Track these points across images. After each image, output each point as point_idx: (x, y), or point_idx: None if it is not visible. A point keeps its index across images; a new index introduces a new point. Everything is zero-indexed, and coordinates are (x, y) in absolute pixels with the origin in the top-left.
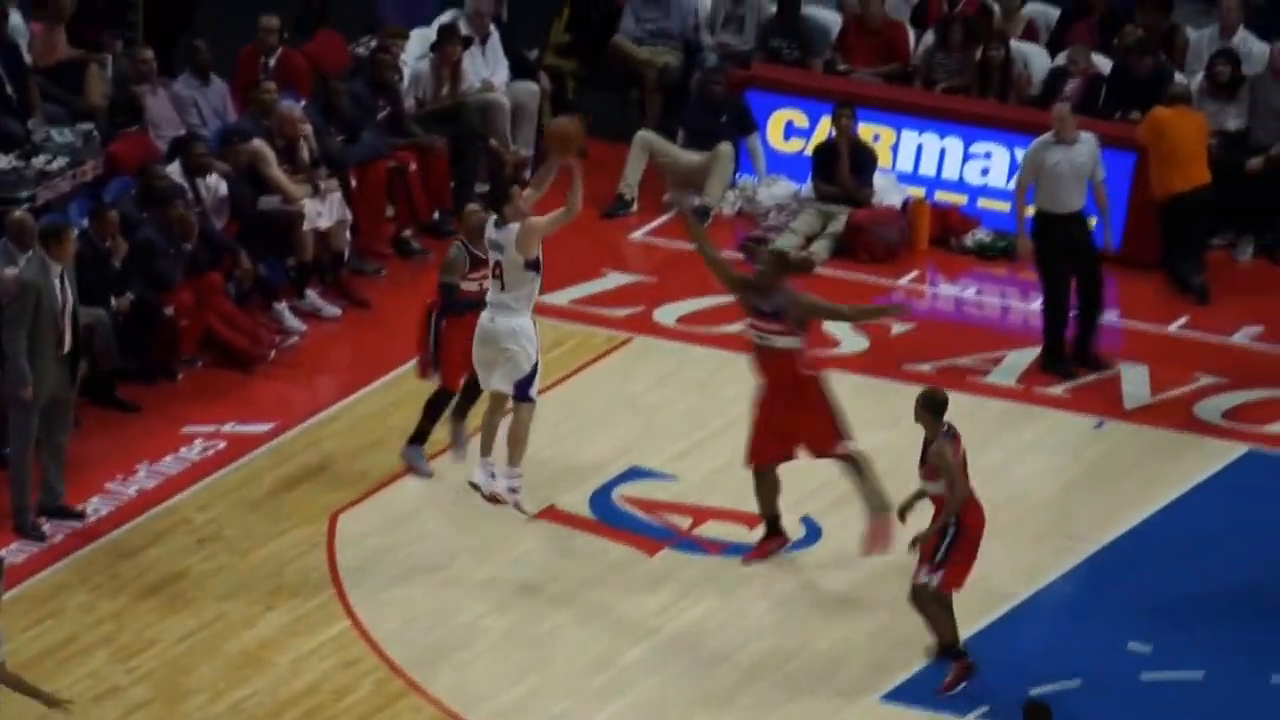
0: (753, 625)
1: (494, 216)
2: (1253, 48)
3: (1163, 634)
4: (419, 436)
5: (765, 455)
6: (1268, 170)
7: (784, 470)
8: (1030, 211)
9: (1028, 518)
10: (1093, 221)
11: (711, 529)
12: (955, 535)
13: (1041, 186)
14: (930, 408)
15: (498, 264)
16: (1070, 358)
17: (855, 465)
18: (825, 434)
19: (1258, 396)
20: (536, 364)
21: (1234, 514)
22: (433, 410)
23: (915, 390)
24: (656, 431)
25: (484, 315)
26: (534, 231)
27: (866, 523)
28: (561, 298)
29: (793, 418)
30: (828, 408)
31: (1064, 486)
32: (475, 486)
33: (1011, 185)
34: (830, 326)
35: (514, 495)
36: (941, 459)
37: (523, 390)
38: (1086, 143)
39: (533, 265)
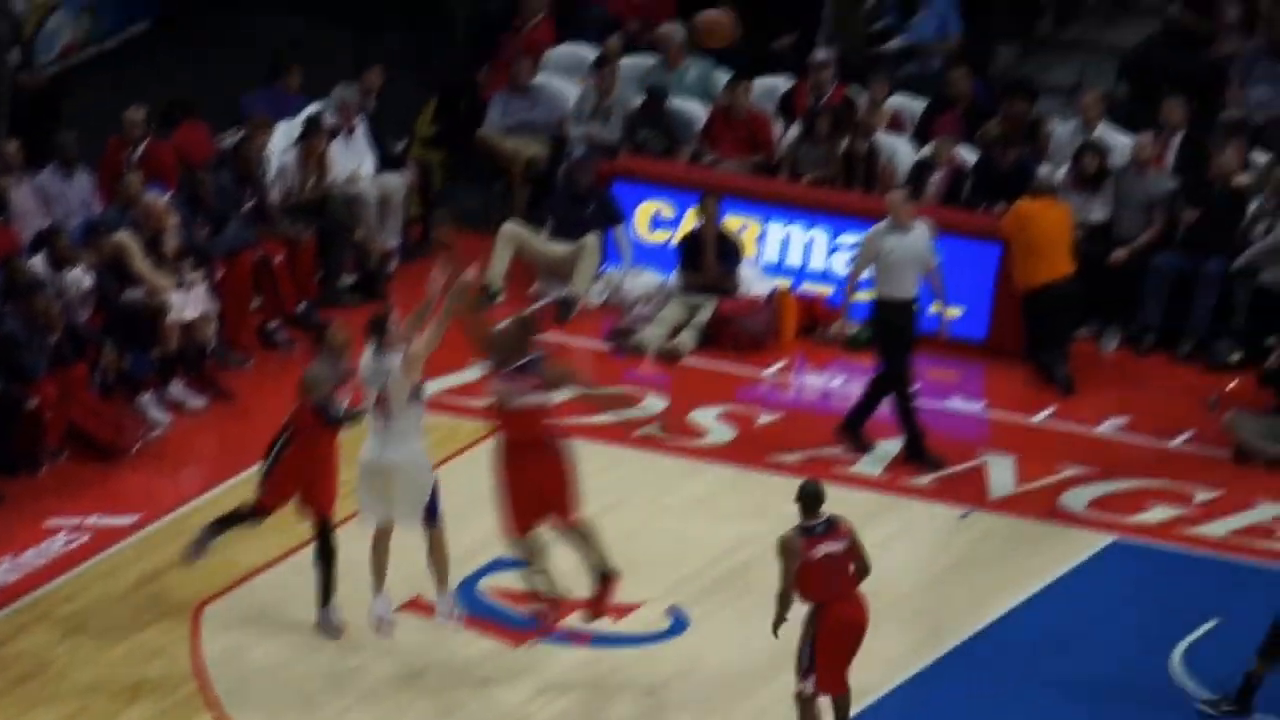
0: (619, 718)
1: (373, 345)
2: (1115, 141)
3: None
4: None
5: (526, 522)
6: (1131, 262)
7: (649, 559)
8: (865, 297)
9: (893, 608)
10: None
11: (578, 621)
12: (814, 637)
13: (879, 273)
14: (800, 500)
15: (381, 394)
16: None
17: (584, 534)
18: (568, 502)
19: (1123, 487)
20: (435, 482)
21: (1099, 604)
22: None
23: (782, 481)
24: None
25: (369, 448)
26: (416, 358)
27: (591, 589)
28: (428, 388)
29: (541, 481)
30: (571, 474)
31: (929, 577)
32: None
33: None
34: (698, 417)
35: (457, 614)
36: (781, 548)
37: (431, 515)
38: (921, 229)
39: (417, 391)
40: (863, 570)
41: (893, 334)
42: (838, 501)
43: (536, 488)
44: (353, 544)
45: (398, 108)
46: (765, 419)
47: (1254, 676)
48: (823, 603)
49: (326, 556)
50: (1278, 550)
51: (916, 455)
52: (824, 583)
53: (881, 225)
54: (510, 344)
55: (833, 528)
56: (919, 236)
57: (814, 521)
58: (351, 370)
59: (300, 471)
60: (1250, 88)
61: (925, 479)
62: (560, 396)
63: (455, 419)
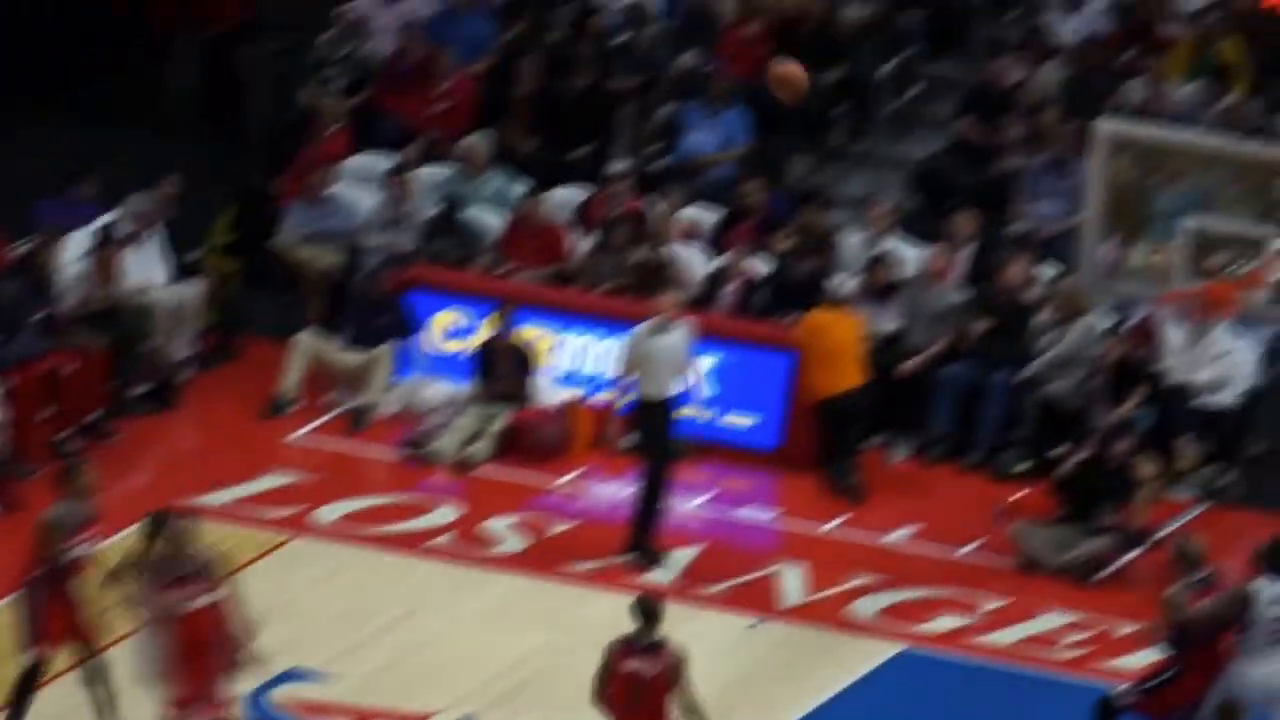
0: None
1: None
2: (905, 252)
3: None
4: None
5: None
6: (921, 373)
7: (442, 669)
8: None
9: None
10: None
11: None
12: None
13: (643, 374)
14: (632, 610)
15: None
16: (633, 545)
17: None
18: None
19: (912, 596)
20: None
21: (888, 713)
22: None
23: (575, 591)
24: (316, 632)
25: None
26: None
27: None
28: (220, 498)
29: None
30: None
31: (720, 686)
32: None
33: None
34: (491, 526)
35: None
36: (605, 650)
37: None
38: (681, 331)
39: None
40: (686, 706)
41: (652, 434)
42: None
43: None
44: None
45: (194, 216)
46: (558, 528)
47: None
48: None
49: (97, 678)
50: (1062, 659)
51: (640, 548)
52: (624, 700)
53: (645, 325)
54: (165, 556)
55: (655, 649)
56: (679, 338)
57: (642, 635)
58: (95, 514)
59: (59, 613)
60: (1036, 202)
61: (717, 587)
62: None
63: (247, 529)
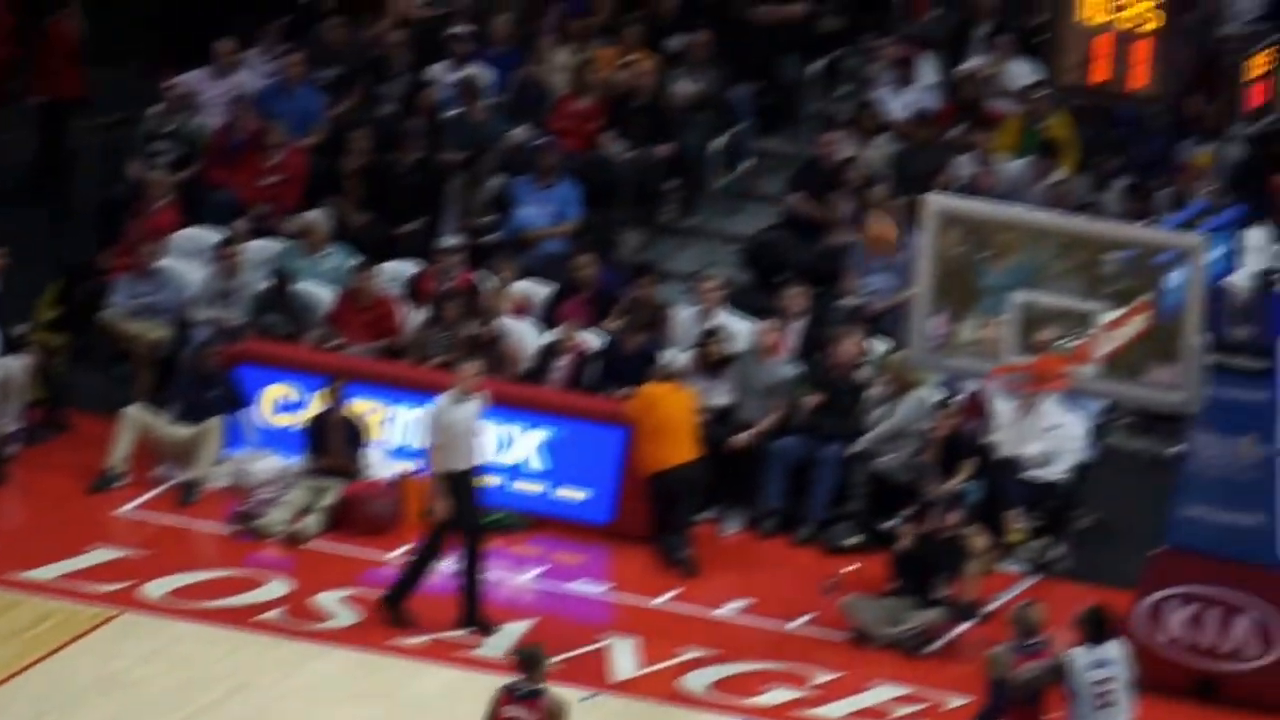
0: None
1: None
2: (737, 327)
3: None
4: None
5: None
6: (753, 446)
7: None
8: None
9: None
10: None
11: None
12: None
13: (445, 445)
14: (515, 656)
15: None
16: (464, 619)
17: None
18: None
19: (743, 669)
20: None
21: None
22: None
23: (407, 665)
24: (145, 707)
25: None
26: None
27: None
28: (47, 573)
29: None
30: None
31: None
32: None
33: (506, 458)
34: (323, 600)
35: None
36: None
37: None
38: (476, 402)
39: None
40: None
41: (459, 506)
42: (464, 682)
43: None
44: None
45: (20, 291)
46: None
47: None
48: None
49: None
50: None
51: (393, 604)
52: None
53: (447, 397)
54: None
55: (534, 698)
56: (474, 407)
57: (522, 684)
58: None
59: None
60: (866, 276)
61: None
62: None
63: (74, 604)
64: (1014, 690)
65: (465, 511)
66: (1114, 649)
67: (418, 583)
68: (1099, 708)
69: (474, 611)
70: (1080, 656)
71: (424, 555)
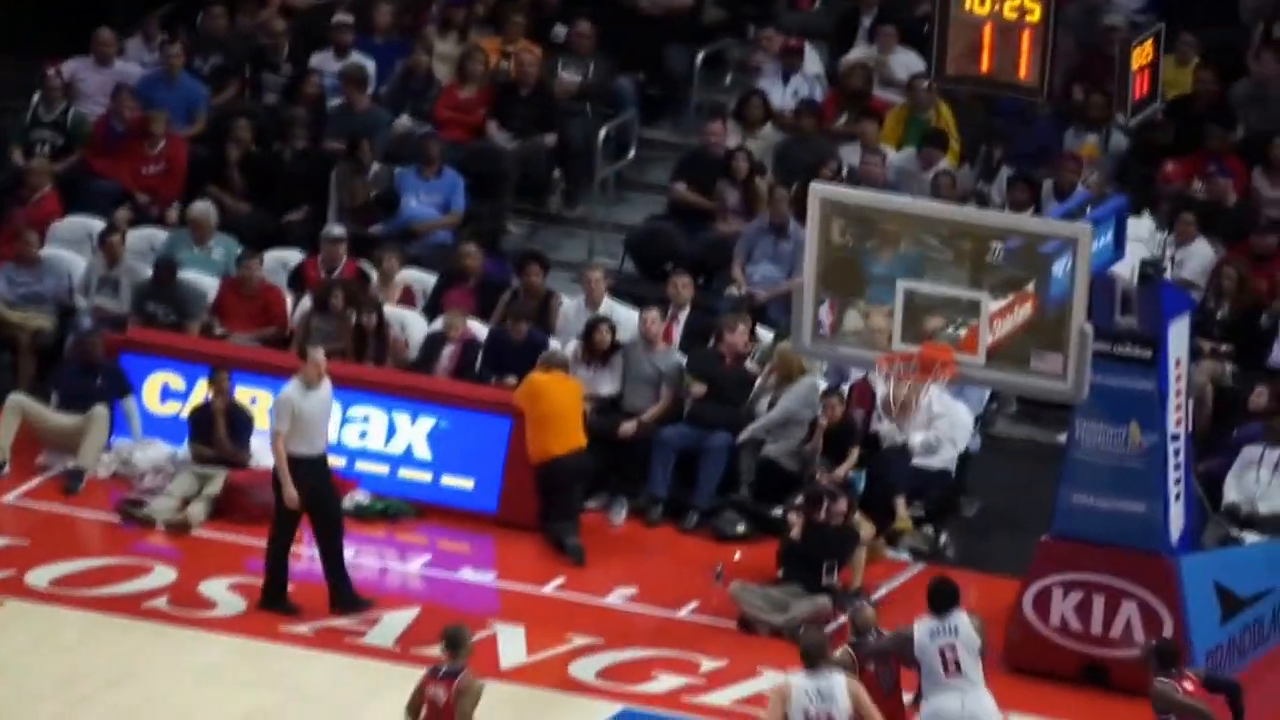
0: None
1: None
2: (623, 316)
3: None
4: None
5: None
6: (640, 435)
7: None
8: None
9: None
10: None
11: None
12: None
13: (296, 431)
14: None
15: None
16: (335, 602)
17: None
18: None
19: (631, 656)
20: None
21: None
22: None
23: (293, 651)
24: (30, 695)
25: None
26: None
27: None
28: None
29: None
30: None
31: None
32: None
33: (390, 448)
34: (208, 588)
35: None
36: None
37: None
38: (327, 386)
39: None
40: None
41: (313, 491)
42: (350, 672)
43: None
44: None
45: None
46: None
47: None
48: None
49: None
50: None
51: (274, 603)
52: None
53: (293, 384)
54: None
55: (450, 678)
56: (326, 393)
57: (445, 664)
58: None
59: None
60: (753, 265)
61: (439, 648)
62: None
63: None
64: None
65: (321, 496)
66: (960, 620)
67: (285, 573)
68: (945, 678)
69: (344, 593)
70: (923, 626)
71: (279, 544)
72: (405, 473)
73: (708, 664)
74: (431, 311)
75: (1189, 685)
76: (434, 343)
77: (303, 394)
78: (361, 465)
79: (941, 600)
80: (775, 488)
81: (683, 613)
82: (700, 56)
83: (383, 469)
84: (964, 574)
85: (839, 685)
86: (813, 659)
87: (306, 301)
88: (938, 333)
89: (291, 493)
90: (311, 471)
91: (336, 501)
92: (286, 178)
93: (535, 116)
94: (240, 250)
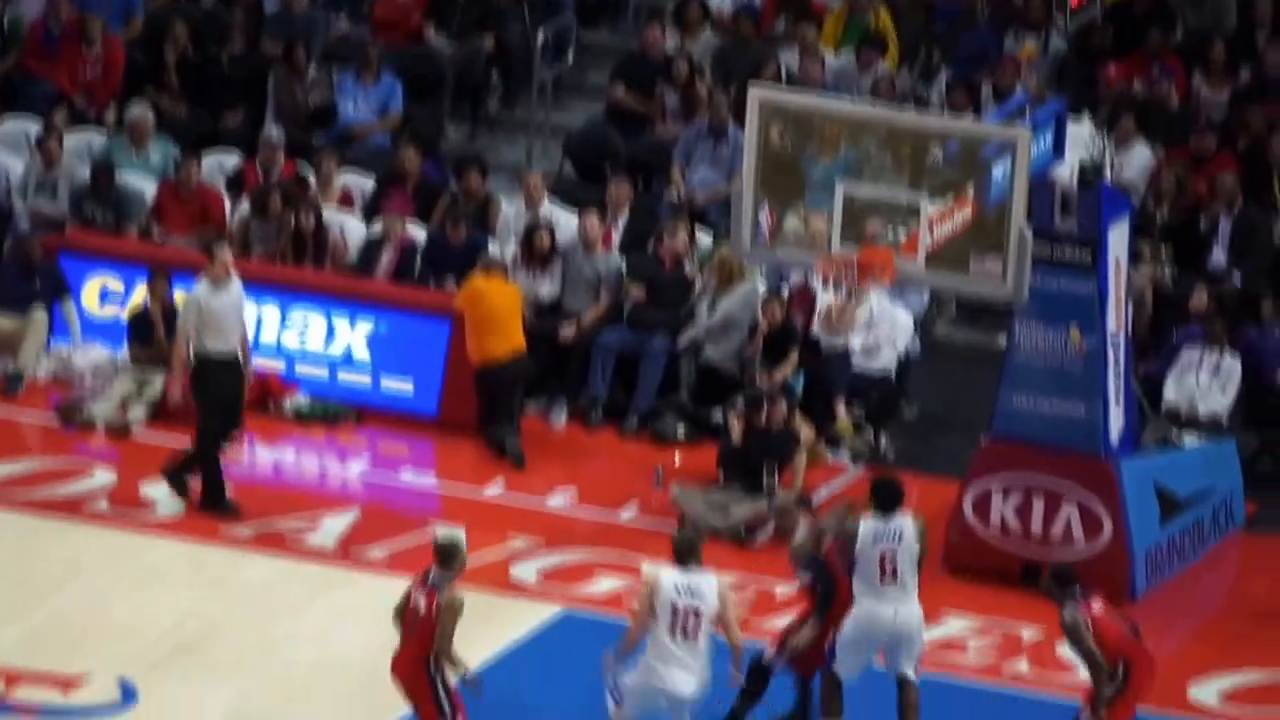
0: None
1: None
2: (560, 217)
3: None
4: None
5: None
6: (579, 339)
7: (100, 632)
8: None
9: (344, 681)
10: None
11: (25, 693)
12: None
13: (204, 330)
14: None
15: None
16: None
17: None
18: None
19: (571, 559)
20: None
21: (550, 674)
22: None
23: (234, 554)
24: None
25: None
26: None
27: None
28: None
29: None
30: None
31: (379, 647)
32: None
33: (329, 351)
34: (149, 490)
35: None
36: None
37: None
38: (238, 284)
39: None
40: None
41: (212, 389)
42: (290, 573)
43: None
44: None
45: None
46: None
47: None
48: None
49: None
50: None
51: (215, 504)
52: (405, 628)
53: (203, 282)
54: None
55: (434, 589)
56: (236, 292)
57: (434, 571)
58: None
59: None
60: (692, 169)
61: (379, 552)
62: None
63: None
64: (825, 555)
65: (220, 396)
66: (905, 525)
67: (219, 472)
68: (880, 584)
69: (217, 494)
70: (867, 527)
71: (205, 445)
72: (344, 376)
73: (648, 566)
74: (370, 215)
75: (1096, 606)
76: (373, 246)
77: (211, 292)
78: (301, 368)
79: (888, 499)
80: (715, 391)
81: (623, 515)
82: None
83: (322, 372)
84: (904, 476)
85: (709, 584)
86: (682, 555)
87: (245, 205)
88: (877, 236)
89: (176, 391)
90: (222, 369)
91: (239, 403)
92: (224, 80)
93: (473, 19)
94: (178, 153)
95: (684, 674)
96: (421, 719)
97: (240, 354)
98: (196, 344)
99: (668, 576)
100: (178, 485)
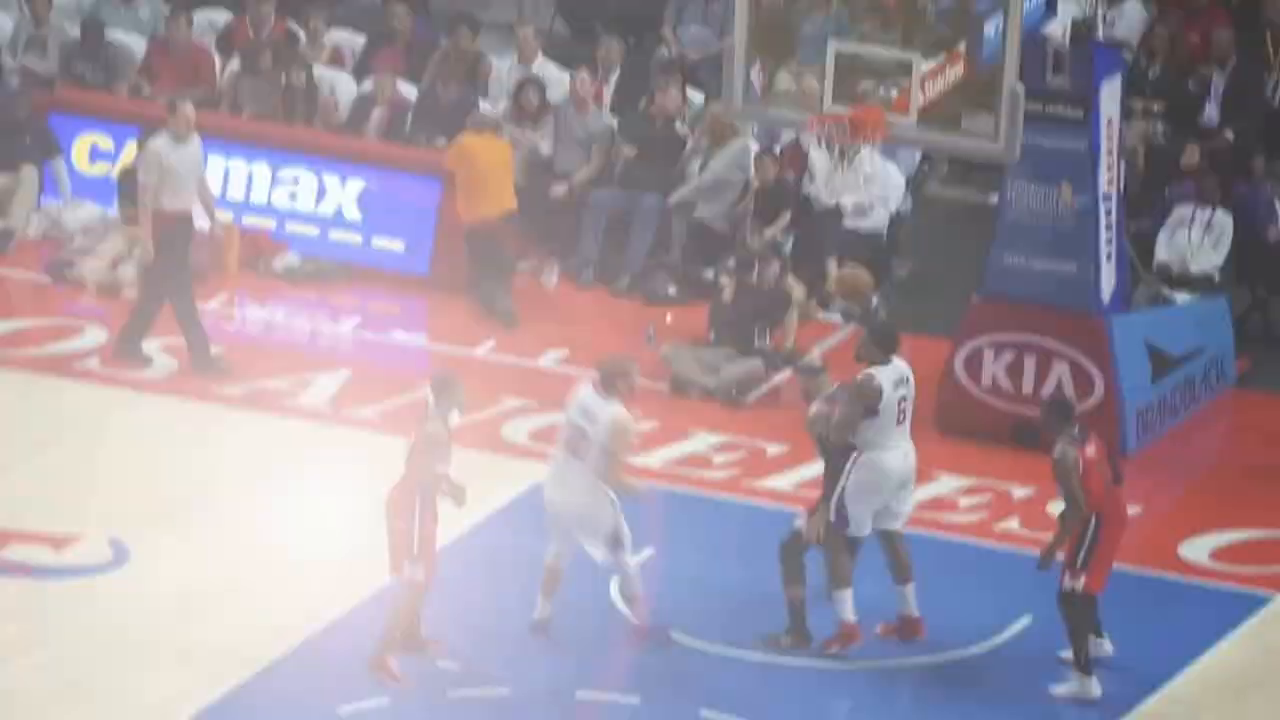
0: (55, 655)
1: None
2: (551, 75)
3: (473, 652)
4: None
5: None
6: (571, 197)
7: (91, 491)
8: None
9: (336, 540)
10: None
11: (16, 552)
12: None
13: (163, 186)
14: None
15: None
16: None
17: None
18: None
19: (561, 419)
20: None
21: (540, 533)
22: None
23: (225, 411)
24: None
25: None
26: None
27: None
28: None
29: None
30: None
31: (372, 506)
32: None
33: (320, 210)
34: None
35: None
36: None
37: None
38: (197, 142)
39: None
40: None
41: (168, 244)
42: (280, 432)
43: None
44: None
45: None
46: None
47: (794, 601)
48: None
49: None
50: (713, 480)
51: (203, 365)
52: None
53: (163, 136)
54: None
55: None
56: (195, 148)
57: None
58: None
59: None
60: (683, 27)
61: (370, 410)
62: None
63: None
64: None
65: (170, 252)
66: (908, 370)
67: (200, 330)
68: (899, 422)
69: (132, 343)
70: (885, 376)
71: (181, 305)
72: (336, 235)
73: (640, 426)
74: (360, 73)
75: (1091, 450)
76: (363, 104)
77: (171, 147)
78: (291, 227)
79: (891, 341)
80: (707, 250)
81: None
82: None
83: (313, 230)
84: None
85: (608, 411)
86: (603, 379)
87: (235, 62)
88: (869, 93)
89: (150, 249)
90: (176, 226)
91: (187, 261)
92: None
93: None
94: (168, 10)
95: (558, 488)
96: (395, 540)
97: (206, 210)
98: (152, 199)
99: (577, 393)
100: (134, 356)
